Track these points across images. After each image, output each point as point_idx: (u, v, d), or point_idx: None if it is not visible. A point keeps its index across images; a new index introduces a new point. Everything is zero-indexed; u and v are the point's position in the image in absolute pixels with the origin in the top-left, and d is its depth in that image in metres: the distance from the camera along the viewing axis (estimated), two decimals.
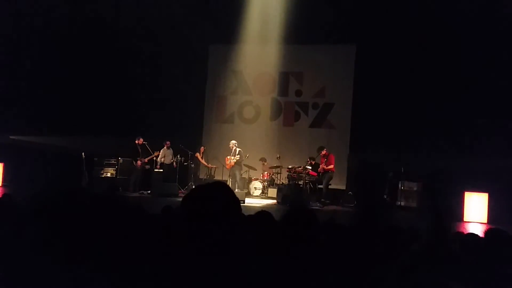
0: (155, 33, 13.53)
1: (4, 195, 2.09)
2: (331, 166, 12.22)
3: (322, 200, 11.96)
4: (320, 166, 12.41)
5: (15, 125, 12.39)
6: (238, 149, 13.15)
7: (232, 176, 13.11)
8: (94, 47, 13.52)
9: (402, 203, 11.79)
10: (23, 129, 12.53)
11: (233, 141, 13.32)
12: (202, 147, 14.13)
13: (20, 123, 12.54)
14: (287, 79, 15.23)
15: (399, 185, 12.08)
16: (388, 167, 12.35)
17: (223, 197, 1.66)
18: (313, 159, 12.66)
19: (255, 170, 13.77)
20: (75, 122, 13.43)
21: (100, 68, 13.61)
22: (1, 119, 12.27)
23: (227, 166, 13.35)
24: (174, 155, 13.53)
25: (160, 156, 13.42)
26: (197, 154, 13.91)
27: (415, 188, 11.91)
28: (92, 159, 13.16)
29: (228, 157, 13.26)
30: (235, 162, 13.04)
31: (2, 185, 12.30)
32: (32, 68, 12.84)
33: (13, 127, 12.33)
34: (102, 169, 13.31)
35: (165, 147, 13.52)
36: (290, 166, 12.90)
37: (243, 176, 13.62)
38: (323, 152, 12.38)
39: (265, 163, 13.70)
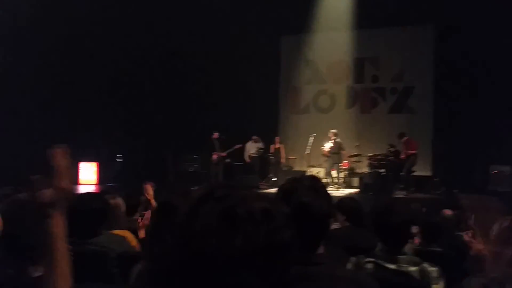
0: (227, 27, 13.68)
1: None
2: (413, 151, 11.76)
3: (405, 187, 11.55)
4: (402, 152, 11.98)
5: (104, 125, 13.11)
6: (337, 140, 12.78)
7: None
8: (166, 42, 13.88)
9: (494, 188, 11.07)
10: (110, 127, 13.21)
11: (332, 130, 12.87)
12: (277, 138, 14.01)
13: (108, 122, 13.24)
14: (362, 65, 14.85)
15: (490, 169, 11.37)
16: (477, 150, 11.66)
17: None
18: (394, 146, 12.25)
19: None
20: (156, 119, 13.93)
21: (176, 64, 13.99)
22: (93, 120, 13.04)
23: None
24: (221, 147, 13.46)
25: (246, 149, 13.59)
26: (277, 146, 13.86)
27: (508, 172, 11.15)
28: (175, 155, 13.65)
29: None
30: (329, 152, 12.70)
31: (98, 184, 13.12)
32: (109, 66, 13.45)
33: (103, 127, 13.06)
34: (186, 164, 13.78)
35: (251, 141, 13.66)
36: (370, 154, 12.58)
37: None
38: (404, 138, 11.94)
39: (344, 152, 13.44)
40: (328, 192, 1.75)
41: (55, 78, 12.81)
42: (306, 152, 13.06)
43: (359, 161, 13.24)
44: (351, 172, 13.22)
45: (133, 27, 13.15)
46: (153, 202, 4.27)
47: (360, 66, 14.86)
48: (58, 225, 1.22)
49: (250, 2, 13.10)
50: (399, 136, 12.07)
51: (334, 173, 12.98)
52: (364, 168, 13.10)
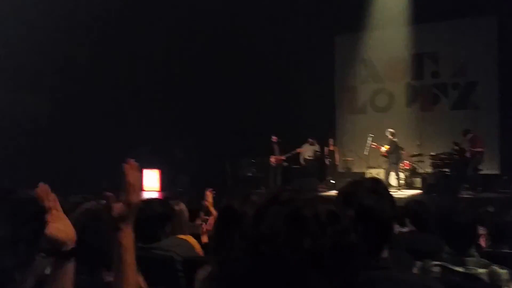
0: (280, 28, 13.68)
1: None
2: (480, 149, 11.22)
3: (471, 186, 11.04)
4: (467, 150, 11.46)
5: (165, 132, 13.51)
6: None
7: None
8: (224, 47, 14.09)
9: None
10: (170, 135, 13.59)
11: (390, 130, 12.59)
12: (331, 140, 13.85)
13: (168, 129, 13.63)
14: (421, 60, 14.39)
15: None
16: None
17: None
18: (458, 144, 11.76)
19: None
20: (212, 123, 14.16)
21: (232, 68, 14.15)
22: (154, 128, 13.48)
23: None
24: (280, 151, 13.41)
25: (302, 152, 13.56)
26: (331, 148, 13.71)
27: None
28: (233, 160, 13.83)
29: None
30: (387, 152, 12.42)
31: (160, 190, 13.53)
32: (167, 73, 13.83)
33: (164, 135, 13.46)
34: (244, 168, 13.93)
35: (307, 144, 13.61)
36: (433, 153, 12.14)
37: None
38: (470, 135, 11.43)
39: (404, 152, 13.04)
40: (391, 194, 1.71)
41: (117, 88, 13.35)
42: (364, 153, 12.81)
43: (421, 161, 12.81)
44: (413, 173, 12.81)
45: (189, 31, 13.45)
46: (212, 209, 4.35)
47: (419, 62, 14.41)
48: (127, 237, 1.28)
49: (302, 2, 13.05)
50: (463, 133, 11.57)
51: (394, 174, 12.63)
52: (426, 168, 12.65)
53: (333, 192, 11.81)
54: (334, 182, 12.91)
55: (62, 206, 1.36)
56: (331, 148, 13.69)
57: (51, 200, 1.29)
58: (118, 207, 1.27)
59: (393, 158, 12.19)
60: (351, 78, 15.37)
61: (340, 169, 14.13)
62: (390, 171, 12.27)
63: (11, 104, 12.38)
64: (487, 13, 12.76)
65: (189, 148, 13.62)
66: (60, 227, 1.27)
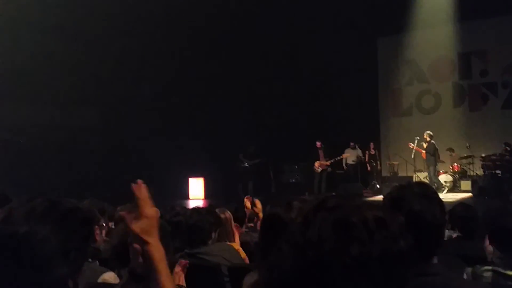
0: (322, 32, 13.60)
1: None
2: None
3: None
4: None
5: (208, 140, 13.70)
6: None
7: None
8: (257, 51, 14.15)
9: None
10: (214, 143, 13.77)
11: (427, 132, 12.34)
12: (372, 144, 13.60)
13: (212, 138, 13.82)
14: (468, 59, 13.96)
15: None
16: None
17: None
18: (509, 144, 11.28)
19: (443, 162, 12.81)
20: (256, 129, 14.22)
21: (273, 72, 14.17)
22: (198, 137, 13.71)
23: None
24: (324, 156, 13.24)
25: (345, 157, 13.41)
26: (372, 152, 13.45)
27: None
28: (277, 166, 13.84)
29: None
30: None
31: (205, 198, 13.72)
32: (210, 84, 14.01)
33: (208, 143, 13.65)
34: (287, 174, 13.92)
35: (349, 148, 13.46)
36: (483, 155, 11.70)
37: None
38: None
39: (453, 154, 12.64)
40: (440, 198, 1.67)
41: (166, 99, 13.68)
42: (411, 157, 12.52)
43: (470, 163, 12.38)
44: (463, 175, 12.39)
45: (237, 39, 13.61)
46: (261, 215, 4.40)
47: (466, 61, 13.99)
48: (157, 248, 1.32)
49: (343, 5, 12.95)
50: None
51: (442, 177, 12.27)
52: (477, 170, 12.22)
53: (379, 197, 11.62)
54: (379, 186, 12.68)
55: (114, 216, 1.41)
56: (372, 152, 13.47)
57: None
58: (137, 223, 1.32)
59: (431, 161, 11.87)
60: (395, 80, 15.11)
61: (386, 173, 13.87)
62: (438, 175, 11.95)
63: (66, 116, 12.94)
64: None
65: (235, 155, 13.74)
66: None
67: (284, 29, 13.44)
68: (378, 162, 13.56)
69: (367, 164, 13.45)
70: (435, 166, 11.93)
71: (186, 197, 13.62)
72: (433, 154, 11.79)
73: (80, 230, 1.25)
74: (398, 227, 0.92)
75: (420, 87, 14.81)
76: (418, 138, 12.29)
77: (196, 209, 3.31)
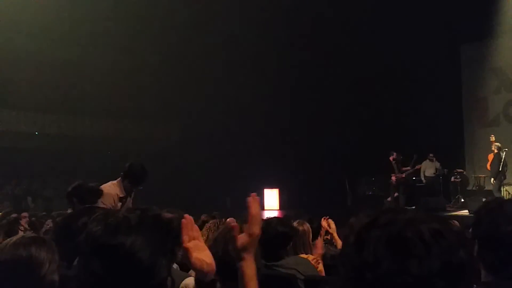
0: (405, 40, 13.22)
1: None
2: None
3: None
4: None
5: (284, 151, 13.76)
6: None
7: None
8: (336, 62, 14.00)
9: None
10: (289, 154, 13.78)
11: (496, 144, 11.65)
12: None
13: (287, 149, 13.85)
14: None
15: None
16: None
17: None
18: None
19: None
20: (332, 142, 14.06)
21: (350, 82, 13.97)
22: (274, 148, 13.81)
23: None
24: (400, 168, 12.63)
25: (422, 169, 12.84)
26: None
27: None
28: (354, 178, 13.58)
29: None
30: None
31: (280, 209, 13.75)
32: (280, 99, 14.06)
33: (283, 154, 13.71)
34: (364, 187, 13.60)
35: (427, 160, 12.88)
36: None
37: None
38: None
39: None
40: None
41: (240, 110, 13.97)
42: (499, 169, 11.72)
43: None
44: None
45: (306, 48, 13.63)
46: (336, 237, 4.34)
47: None
48: (250, 266, 1.34)
49: (426, 12, 12.54)
50: None
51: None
52: None
53: (464, 212, 11.00)
54: (463, 200, 12.00)
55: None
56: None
57: (195, 231, 1.39)
58: (242, 238, 1.34)
59: (494, 174, 11.16)
60: (480, 88, 14.34)
61: (471, 186, 13.10)
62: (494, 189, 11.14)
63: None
64: None
65: (308, 167, 13.67)
66: (203, 257, 1.35)
67: (368, 38, 13.24)
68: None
69: (452, 177, 12.79)
70: (498, 179, 11.24)
71: (261, 208, 13.72)
72: (497, 167, 11.12)
73: (171, 239, 1.30)
74: (456, 237, 0.88)
75: (509, 95, 13.95)
76: (506, 149, 11.52)
77: (270, 220, 3.32)
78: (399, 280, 0.83)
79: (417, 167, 12.73)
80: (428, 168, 12.87)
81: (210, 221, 3.59)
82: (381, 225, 0.90)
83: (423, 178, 12.86)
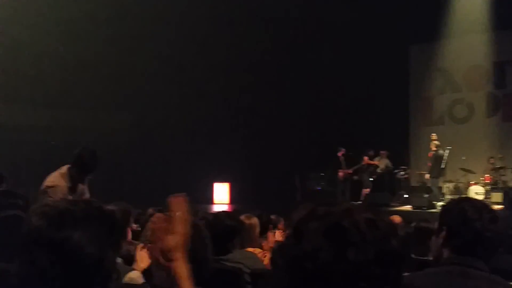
0: (353, 39, 13.51)
1: None
2: None
3: None
4: None
5: (235, 146, 13.73)
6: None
7: None
8: (290, 58, 14.12)
9: None
10: (240, 148, 13.79)
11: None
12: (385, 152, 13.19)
13: (238, 144, 13.85)
14: (503, 68, 13.64)
15: None
16: None
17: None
18: None
19: (474, 173, 12.49)
20: (283, 137, 14.19)
21: (301, 79, 14.13)
22: (224, 142, 13.77)
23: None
24: (348, 164, 12.96)
25: (365, 162, 13.19)
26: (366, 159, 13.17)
27: None
28: (303, 173, 13.76)
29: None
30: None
31: (230, 203, 13.76)
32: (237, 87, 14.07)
33: (234, 149, 13.68)
34: (313, 182, 13.81)
35: (378, 156, 13.24)
36: None
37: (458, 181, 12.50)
38: None
39: (492, 160, 12.28)
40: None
41: (190, 103, 13.82)
42: (441, 167, 12.24)
43: (503, 174, 12.05)
44: (494, 187, 12.05)
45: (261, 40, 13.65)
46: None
47: (501, 70, 13.68)
48: (182, 267, 1.31)
49: (376, 11, 12.84)
50: None
51: (473, 188, 11.96)
52: (509, 182, 11.88)
53: (407, 207, 11.41)
54: (407, 196, 12.44)
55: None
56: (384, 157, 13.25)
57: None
58: (169, 239, 1.31)
59: (434, 172, 11.67)
60: (427, 88, 14.89)
61: (414, 183, 13.60)
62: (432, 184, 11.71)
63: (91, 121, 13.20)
64: None
65: (259, 161, 13.73)
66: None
67: (317, 33, 13.41)
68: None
69: (396, 174, 13.21)
70: (436, 176, 11.78)
71: (211, 202, 13.69)
72: (436, 164, 11.63)
73: (115, 230, 1.27)
74: (389, 227, 0.93)
75: (453, 96, 14.54)
76: (449, 148, 12.04)
77: (218, 214, 3.30)
78: (338, 267, 0.86)
79: (363, 162, 13.02)
80: (380, 165, 13.21)
81: (156, 215, 3.52)
82: (318, 216, 0.93)
83: (373, 174, 13.21)
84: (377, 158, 13.22)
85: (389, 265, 0.89)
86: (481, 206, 1.88)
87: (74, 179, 4.14)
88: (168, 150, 13.34)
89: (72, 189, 4.14)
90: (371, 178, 13.16)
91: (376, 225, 0.91)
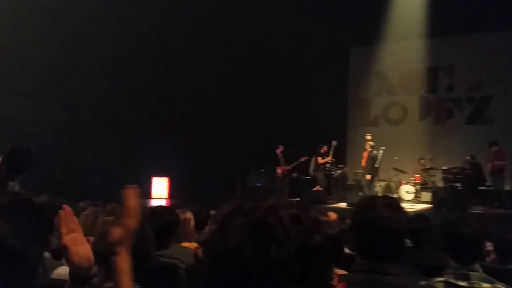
0: (295, 39, 13.73)
1: None
2: (503, 162, 11.06)
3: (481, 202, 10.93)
4: (491, 162, 11.24)
5: (175, 140, 13.56)
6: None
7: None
8: (229, 54, 14.13)
9: None
10: (180, 143, 13.62)
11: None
12: (325, 147, 13.15)
13: (178, 138, 13.68)
14: (436, 74, 14.34)
15: None
16: None
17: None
18: (474, 157, 11.62)
19: (406, 173, 13.09)
20: (224, 133, 14.19)
21: (241, 78, 14.17)
22: (164, 136, 13.56)
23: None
24: (286, 161, 13.06)
25: (312, 163, 13.38)
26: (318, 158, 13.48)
27: None
28: (243, 169, 13.81)
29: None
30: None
31: (169, 198, 13.57)
32: (175, 82, 13.90)
33: (173, 143, 13.50)
34: (253, 178, 13.90)
35: (318, 154, 13.43)
36: (444, 167, 12.02)
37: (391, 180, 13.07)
38: (495, 147, 11.22)
39: (423, 161, 12.90)
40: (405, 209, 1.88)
41: (133, 93, 13.48)
42: (375, 166, 12.71)
43: (432, 175, 12.71)
44: (424, 186, 12.69)
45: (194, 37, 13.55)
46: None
47: (434, 75, 14.37)
48: (124, 261, 1.28)
49: (317, 14, 13.09)
50: (489, 145, 11.36)
51: (404, 187, 12.53)
52: (438, 182, 12.54)
53: (342, 204, 11.76)
54: (343, 193, 12.80)
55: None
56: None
57: (74, 223, 1.30)
58: (116, 232, 1.28)
59: (368, 171, 12.07)
60: (364, 90, 15.36)
61: (350, 181, 14.03)
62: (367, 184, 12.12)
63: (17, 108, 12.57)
64: (503, 28, 12.67)
65: (199, 156, 13.63)
66: (82, 252, 1.27)
67: (258, 33, 13.50)
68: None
69: (333, 172, 13.53)
70: (371, 175, 12.10)
71: (149, 196, 13.46)
72: (370, 164, 12.02)
73: (43, 223, 1.21)
74: (312, 222, 0.93)
75: (388, 98, 15.11)
76: (383, 148, 12.51)
77: (155, 209, 3.25)
78: (260, 264, 0.86)
79: (302, 159, 13.18)
80: (317, 162, 13.44)
81: (88, 209, 3.41)
82: (244, 212, 0.92)
83: (311, 172, 13.44)
84: (315, 157, 13.38)
85: (311, 261, 0.89)
86: (384, 203, 1.81)
87: (3, 177, 3.81)
88: (106, 144, 12.95)
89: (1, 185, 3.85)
90: (307, 176, 13.39)
91: (301, 221, 0.91)
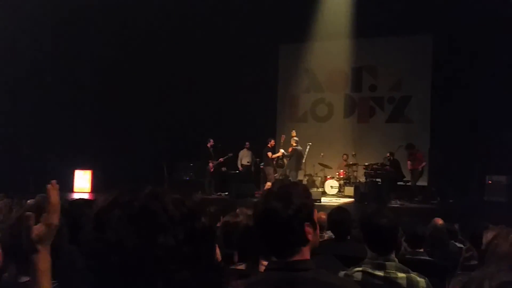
0: (225, 34, 13.73)
1: None
2: (424, 163, 11.83)
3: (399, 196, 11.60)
4: (414, 163, 11.91)
5: (100, 132, 13.09)
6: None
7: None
8: (163, 49, 13.94)
9: (490, 198, 11.08)
10: (106, 135, 13.18)
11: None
12: (273, 141, 13.17)
13: (104, 130, 13.23)
14: (360, 74, 14.91)
15: (486, 179, 11.39)
16: (473, 160, 11.69)
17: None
18: (393, 154, 12.25)
19: (331, 168, 13.56)
20: (153, 126, 13.93)
21: (171, 72, 13.99)
22: (89, 128, 13.04)
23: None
24: (217, 155, 13.17)
25: (239, 157, 13.47)
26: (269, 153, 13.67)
27: (504, 182, 11.15)
28: (172, 163, 13.61)
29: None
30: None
31: (92, 191, 13.07)
32: (105, 74, 13.48)
33: (98, 135, 13.03)
34: (181, 172, 13.74)
35: (245, 149, 13.57)
36: (366, 163, 12.57)
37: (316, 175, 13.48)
38: (414, 149, 11.92)
39: (346, 156, 13.39)
40: (301, 200, 1.62)
41: (54, 84, 12.85)
42: (301, 161, 13.03)
43: (355, 170, 13.25)
44: (347, 181, 13.21)
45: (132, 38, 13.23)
46: None
47: (358, 75, 14.92)
48: (44, 260, 1.22)
49: (248, 11, 13.15)
50: (407, 148, 12.00)
51: (329, 182, 12.99)
52: (360, 177, 13.09)
53: None
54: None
55: None
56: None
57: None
58: (38, 228, 1.21)
59: (293, 166, 12.41)
60: (293, 87, 15.65)
61: (278, 175, 14.22)
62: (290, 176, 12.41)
63: None
64: (423, 31, 13.43)
65: (126, 150, 13.24)
66: None
67: (186, 29, 13.36)
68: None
69: (261, 165, 13.69)
70: (296, 170, 12.40)
71: (71, 189, 12.90)
72: (296, 158, 12.33)
73: None
74: (197, 205, 0.92)
75: (316, 95, 15.51)
76: (310, 144, 12.86)
77: (74, 201, 3.13)
78: (147, 254, 0.82)
79: (230, 154, 13.17)
80: (245, 157, 13.54)
81: (2, 201, 3.21)
82: (121, 204, 0.87)
83: (240, 166, 13.52)
84: (242, 151, 13.45)
85: (200, 243, 0.87)
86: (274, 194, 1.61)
87: None
88: (27, 134, 12.25)
89: None
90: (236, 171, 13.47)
91: (184, 205, 0.89)
